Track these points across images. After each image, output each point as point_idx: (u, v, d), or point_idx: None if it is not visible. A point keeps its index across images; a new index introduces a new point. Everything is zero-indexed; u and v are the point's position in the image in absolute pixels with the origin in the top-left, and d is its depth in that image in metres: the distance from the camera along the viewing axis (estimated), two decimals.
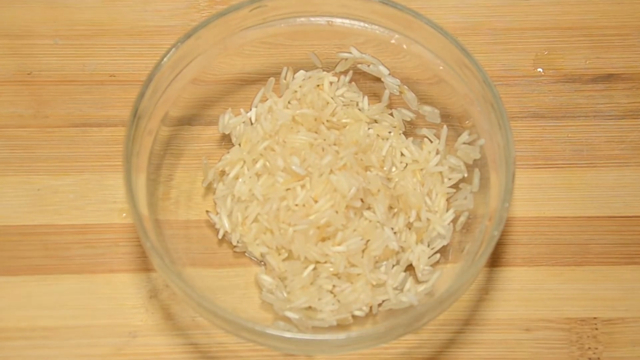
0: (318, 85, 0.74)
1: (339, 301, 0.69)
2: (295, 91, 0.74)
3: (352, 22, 0.72)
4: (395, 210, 0.71)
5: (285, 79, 0.74)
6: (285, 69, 0.74)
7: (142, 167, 0.68)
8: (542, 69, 0.78)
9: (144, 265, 0.72)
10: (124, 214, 0.73)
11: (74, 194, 0.74)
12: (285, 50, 0.75)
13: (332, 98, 0.73)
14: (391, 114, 0.74)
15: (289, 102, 0.74)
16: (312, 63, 0.75)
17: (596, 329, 0.71)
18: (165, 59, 0.68)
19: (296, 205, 0.69)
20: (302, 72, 0.74)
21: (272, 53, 0.75)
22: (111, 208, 0.73)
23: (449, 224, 0.71)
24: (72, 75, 0.77)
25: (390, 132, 0.73)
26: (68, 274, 0.71)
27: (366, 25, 0.72)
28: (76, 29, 0.79)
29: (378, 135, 0.73)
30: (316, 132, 0.72)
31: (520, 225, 0.73)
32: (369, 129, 0.73)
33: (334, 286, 0.69)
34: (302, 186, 0.69)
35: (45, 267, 0.72)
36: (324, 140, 0.71)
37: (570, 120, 0.77)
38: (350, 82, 0.74)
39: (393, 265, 0.70)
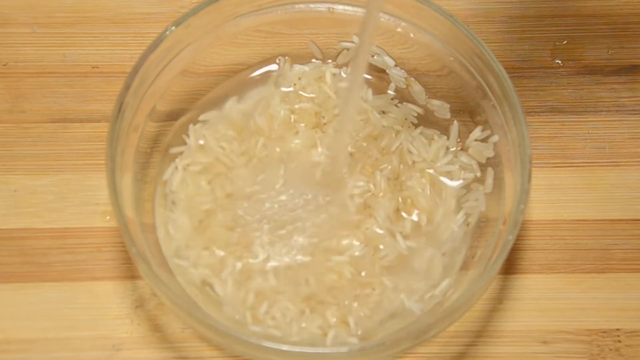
0: (319, 77, 0.74)
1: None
2: (294, 84, 0.74)
3: (355, 9, 0.72)
4: (403, 213, 0.71)
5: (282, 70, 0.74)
6: (282, 59, 0.74)
7: (127, 166, 0.68)
8: (561, 60, 0.78)
9: (129, 272, 0.71)
10: (108, 217, 0.73)
11: (53, 195, 0.73)
12: (283, 39, 0.74)
13: (334, 92, 0.74)
14: (396, 106, 0.74)
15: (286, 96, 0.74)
16: (312, 53, 0.75)
17: (619, 341, 0.71)
18: (152, 49, 0.68)
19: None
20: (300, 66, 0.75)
21: (268, 42, 0.75)
22: (94, 210, 0.73)
23: (459, 228, 0.71)
24: (51, 66, 0.77)
25: (402, 126, 0.73)
26: (47, 282, 0.71)
27: None
28: (56, 16, 0.79)
29: (384, 125, 0.73)
30: (316, 127, 0.72)
31: (537, 229, 0.73)
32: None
33: None
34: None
35: (22, 274, 0.71)
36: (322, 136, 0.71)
37: (591, 115, 0.77)
38: None
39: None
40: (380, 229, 0.69)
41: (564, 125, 0.76)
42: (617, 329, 0.71)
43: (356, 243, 0.69)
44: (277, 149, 0.71)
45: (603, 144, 0.76)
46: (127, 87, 0.67)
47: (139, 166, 0.70)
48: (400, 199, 0.70)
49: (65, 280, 0.71)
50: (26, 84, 0.76)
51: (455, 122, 0.72)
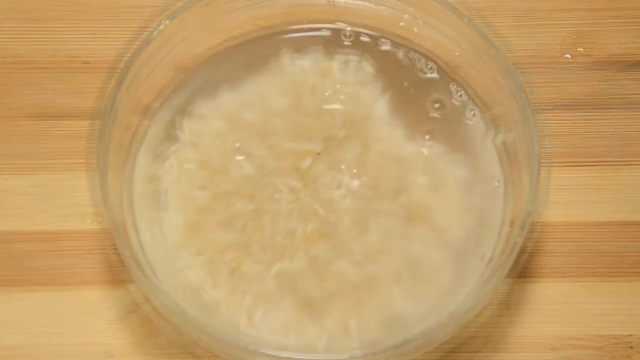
0: (323, 71, 0.74)
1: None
2: (293, 77, 0.74)
3: (356, 1, 0.73)
4: (409, 214, 0.70)
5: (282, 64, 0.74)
6: (282, 53, 0.74)
7: (119, 166, 0.68)
8: (571, 55, 0.78)
9: (121, 276, 0.71)
10: (100, 219, 0.71)
11: (42, 195, 0.73)
12: (281, 31, 0.74)
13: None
14: None
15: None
16: (311, 45, 0.74)
17: (631, 347, 0.70)
18: (145, 44, 0.68)
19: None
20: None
21: (266, 35, 0.74)
22: (85, 212, 0.73)
23: (467, 229, 0.70)
24: (40, 61, 0.77)
25: None
26: (35, 286, 0.71)
27: (372, 5, 0.72)
28: (46, 9, 0.78)
29: None
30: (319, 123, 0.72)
31: (546, 231, 0.73)
32: None
33: None
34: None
35: (10, 279, 0.71)
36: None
37: (603, 112, 0.76)
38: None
39: None
40: (385, 231, 0.69)
41: (574, 122, 0.76)
42: (630, 335, 0.71)
43: (359, 247, 0.69)
44: (275, 147, 0.71)
45: (615, 142, 0.75)
46: (119, 83, 0.67)
47: (131, 165, 0.70)
48: (405, 200, 0.70)
49: (54, 285, 0.71)
50: (14, 80, 0.76)
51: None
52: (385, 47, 0.73)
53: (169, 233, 0.69)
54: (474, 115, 0.72)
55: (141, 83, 0.69)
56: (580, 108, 0.77)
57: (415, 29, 0.72)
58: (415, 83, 0.73)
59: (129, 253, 0.64)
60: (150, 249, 0.68)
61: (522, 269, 0.72)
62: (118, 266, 0.71)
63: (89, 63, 0.77)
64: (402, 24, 0.72)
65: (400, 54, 0.73)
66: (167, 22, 0.68)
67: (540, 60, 0.78)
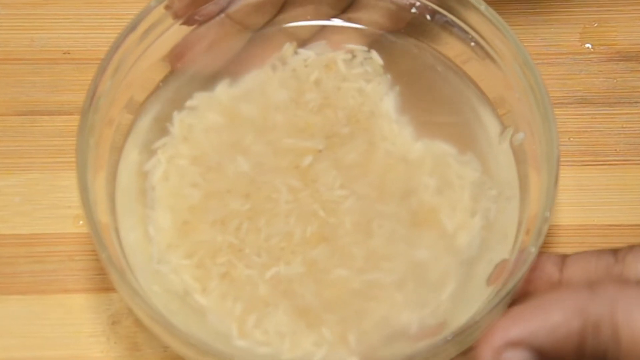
0: (327, 65, 0.73)
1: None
2: (295, 70, 0.72)
3: None
4: (414, 217, 0.69)
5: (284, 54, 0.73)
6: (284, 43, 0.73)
7: (101, 164, 0.67)
8: (591, 45, 0.78)
9: (104, 284, 0.71)
10: (80, 222, 0.72)
11: (19, 197, 0.73)
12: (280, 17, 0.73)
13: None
14: None
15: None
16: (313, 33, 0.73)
17: None
18: (130, 30, 0.67)
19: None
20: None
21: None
22: (65, 214, 0.72)
23: (477, 234, 0.69)
24: (17, 52, 0.77)
25: None
26: (12, 294, 0.70)
27: None
28: None
29: None
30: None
31: (564, 235, 0.72)
32: None
33: None
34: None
35: None
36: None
37: (625, 107, 0.76)
38: None
39: None
40: (389, 235, 0.68)
41: (595, 118, 0.76)
42: None
43: (361, 252, 0.67)
44: (274, 143, 0.70)
45: (639, 139, 0.75)
46: (101, 74, 0.66)
47: (115, 164, 0.68)
48: (411, 202, 0.69)
49: (32, 293, 0.71)
50: None
51: None
52: (394, 38, 0.73)
53: (155, 234, 0.68)
54: (487, 112, 0.71)
55: (126, 73, 0.68)
56: (601, 102, 0.77)
57: (428, 17, 0.71)
58: (425, 77, 0.73)
59: (106, 255, 0.62)
60: (133, 251, 0.67)
61: None
62: (101, 273, 0.71)
63: (69, 53, 0.77)
64: (413, 10, 0.71)
65: (411, 45, 0.73)
66: (153, 8, 0.68)
67: (558, 51, 0.78)
